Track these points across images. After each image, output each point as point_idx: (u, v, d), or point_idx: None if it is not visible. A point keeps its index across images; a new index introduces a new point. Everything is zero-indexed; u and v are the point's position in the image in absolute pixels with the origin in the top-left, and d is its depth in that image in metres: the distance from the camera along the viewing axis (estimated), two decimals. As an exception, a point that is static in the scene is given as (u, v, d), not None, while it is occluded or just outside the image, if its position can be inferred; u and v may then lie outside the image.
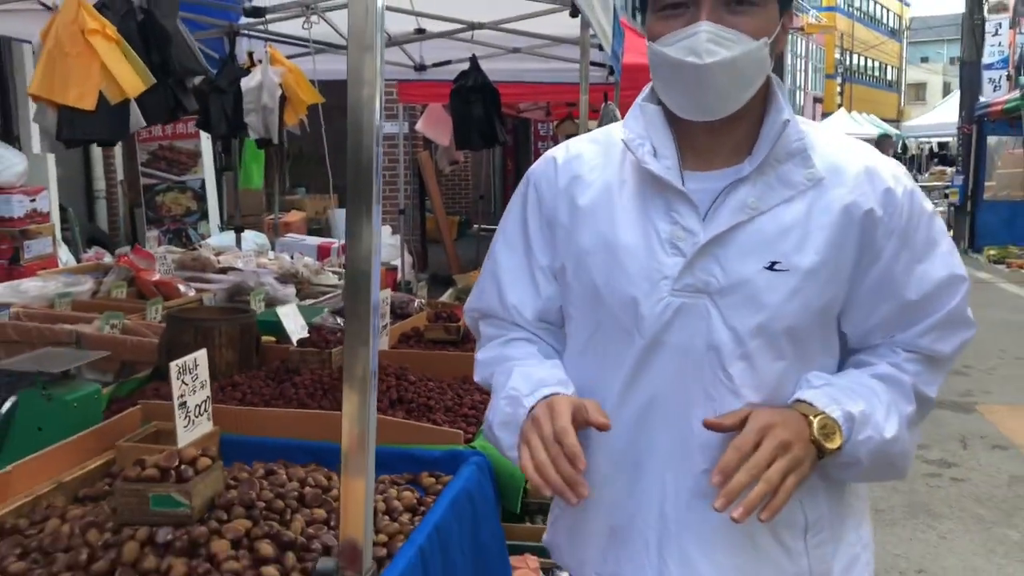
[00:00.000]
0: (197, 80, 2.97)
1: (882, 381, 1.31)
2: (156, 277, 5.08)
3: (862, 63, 50.06)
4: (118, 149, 9.75)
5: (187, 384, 2.15)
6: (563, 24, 4.26)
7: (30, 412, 2.26)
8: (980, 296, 10.81)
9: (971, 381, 6.66)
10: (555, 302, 1.44)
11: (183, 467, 1.75)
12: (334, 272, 5.88)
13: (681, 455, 1.31)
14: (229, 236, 7.83)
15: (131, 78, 2.55)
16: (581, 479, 1.18)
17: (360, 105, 1.19)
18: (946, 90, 50.66)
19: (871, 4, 51.68)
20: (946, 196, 15.59)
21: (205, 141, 8.96)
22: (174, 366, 2.10)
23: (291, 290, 5.11)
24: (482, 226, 11.17)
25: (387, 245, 9.34)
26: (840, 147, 1.33)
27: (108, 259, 6.33)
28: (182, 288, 5.02)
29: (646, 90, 1.39)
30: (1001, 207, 13.86)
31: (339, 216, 10.84)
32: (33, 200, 6.37)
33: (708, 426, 1.25)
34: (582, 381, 1.38)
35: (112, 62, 2.48)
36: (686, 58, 1.23)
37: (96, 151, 9.42)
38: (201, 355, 2.20)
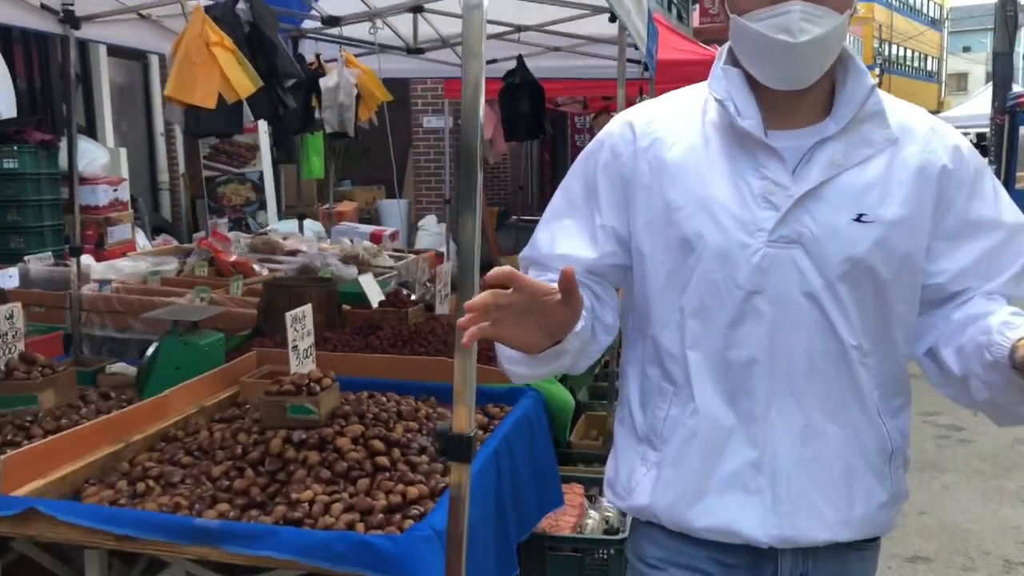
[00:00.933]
0: (291, 82, 3.48)
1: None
2: (233, 258, 5.65)
3: (901, 54, 49.70)
4: (179, 145, 10.38)
5: (297, 331, 2.66)
6: (601, 25, 4.72)
7: (170, 354, 2.78)
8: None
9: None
10: (610, 260, 1.48)
11: (312, 384, 2.27)
12: (390, 255, 6.40)
13: (788, 397, 1.37)
14: (287, 224, 8.40)
15: (243, 81, 3.07)
16: (568, 271, 1.23)
17: (471, 107, 1.63)
18: (988, 80, 50.14)
19: (910, -6, 51.29)
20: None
21: (263, 135, 9.54)
22: (289, 316, 2.60)
23: (353, 270, 5.61)
24: (520, 217, 11.63)
25: (434, 233, 9.86)
26: (906, 110, 1.44)
27: (174, 244, 6.95)
28: (256, 267, 5.57)
29: (723, 53, 1.44)
30: (1033, 197, 14.06)
31: (385, 207, 11.41)
32: (115, 190, 6.98)
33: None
34: (678, 338, 1.42)
35: (228, 68, 3.00)
36: (779, 36, 1.29)
37: (161, 147, 10.04)
38: (308, 308, 2.71)
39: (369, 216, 10.89)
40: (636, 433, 1.49)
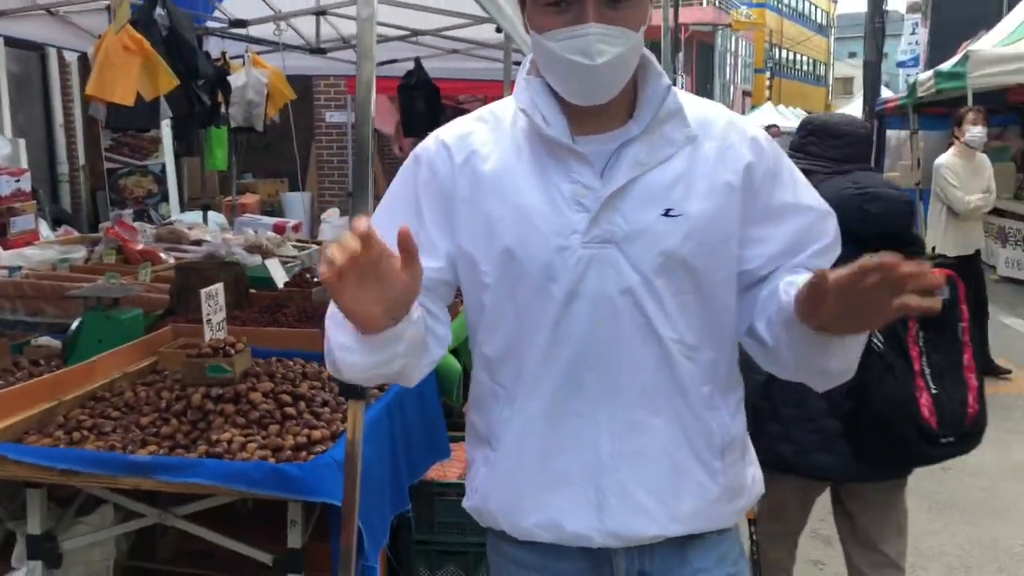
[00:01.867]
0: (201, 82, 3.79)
1: None
2: (140, 247, 5.85)
3: (791, 58, 51.81)
4: (79, 136, 10.37)
5: (211, 307, 2.99)
6: (490, 32, 5.16)
7: (93, 328, 3.07)
8: (873, 273, 11.97)
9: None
10: (436, 275, 1.47)
11: (227, 348, 2.61)
12: (294, 245, 6.69)
13: (612, 394, 1.41)
14: (190, 216, 8.56)
15: (160, 80, 3.38)
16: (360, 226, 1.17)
17: (364, 104, 2.02)
18: (872, 85, 52.71)
19: (799, 1, 53.51)
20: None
21: (165, 128, 9.63)
22: (203, 292, 2.93)
23: (257, 259, 5.88)
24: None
25: (336, 225, 10.13)
26: (704, 107, 1.50)
27: (76, 235, 7.08)
28: (163, 256, 5.80)
29: (527, 64, 1.49)
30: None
31: (289, 199, 11.61)
32: (17, 181, 7.04)
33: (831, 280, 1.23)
34: (505, 343, 1.46)
35: (146, 68, 3.31)
36: (576, 57, 1.32)
37: (60, 139, 10.03)
38: (220, 286, 3.05)
39: (272, 208, 11.07)
40: (478, 434, 1.54)
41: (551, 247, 1.38)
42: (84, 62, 7.57)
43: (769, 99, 39.43)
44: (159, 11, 3.58)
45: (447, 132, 1.51)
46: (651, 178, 1.40)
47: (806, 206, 1.49)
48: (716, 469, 1.45)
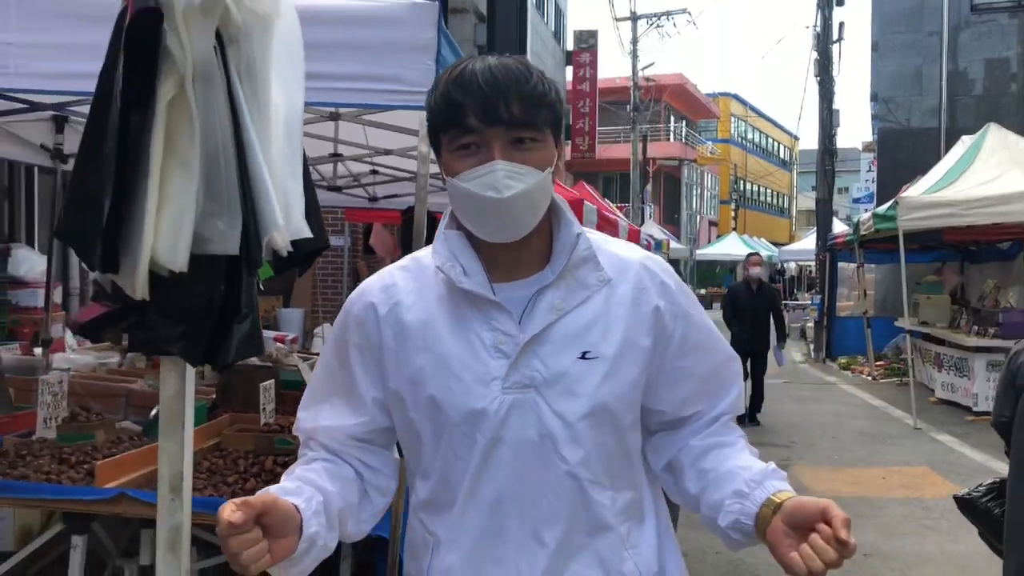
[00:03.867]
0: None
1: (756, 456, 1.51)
2: (167, 354, 6.63)
3: (755, 190, 54.18)
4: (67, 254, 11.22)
5: (266, 397, 3.79)
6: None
7: (170, 413, 3.83)
8: (822, 393, 12.95)
9: (792, 452, 8.56)
10: (372, 425, 1.52)
11: (287, 427, 3.40)
12: (298, 355, 7.48)
13: (532, 539, 1.42)
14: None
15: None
16: (224, 516, 1.27)
17: (418, 235, 2.91)
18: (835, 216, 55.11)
19: (763, 138, 56.37)
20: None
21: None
22: (262, 386, 3.74)
23: (269, 366, 6.66)
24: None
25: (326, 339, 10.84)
26: (617, 249, 1.54)
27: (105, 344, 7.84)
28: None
29: (445, 217, 1.52)
30: (850, 322, 16.27)
31: (284, 314, 12.42)
32: (53, 291, 7.82)
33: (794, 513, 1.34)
34: (434, 488, 1.47)
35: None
36: (486, 193, 1.37)
37: (73, 256, 10.86)
38: (272, 381, 3.86)
39: (267, 324, 11.85)
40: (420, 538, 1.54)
41: (472, 394, 1.41)
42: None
43: (735, 229, 41.06)
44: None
45: (372, 286, 1.54)
46: (568, 322, 1.44)
47: (718, 348, 1.58)
48: None
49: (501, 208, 1.38)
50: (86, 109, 5.20)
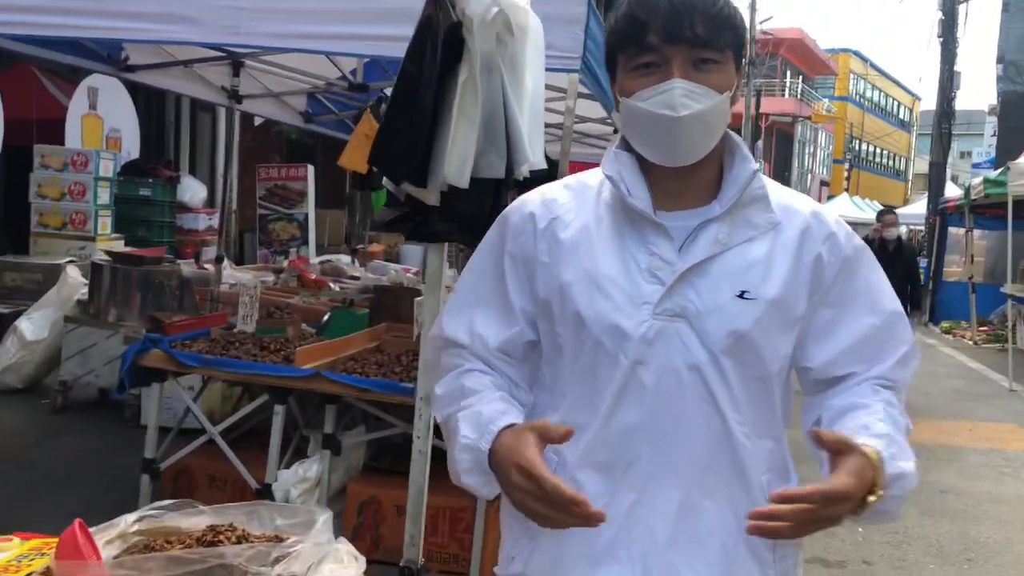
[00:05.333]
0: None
1: (896, 425, 1.37)
2: (314, 276, 7.47)
3: (871, 151, 52.66)
4: (235, 185, 12.23)
5: (418, 310, 4.50)
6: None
7: (339, 319, 4.60)
8: (922, 355, 13.06)
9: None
10: (520, 337, 1.50)
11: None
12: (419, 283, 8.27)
13: (669, 472, 1.38)
14: (324, 258, 10.25)
15: (387, 157, 4.99)
16: (592, 510, 1.20)
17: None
18: (954, 182, 53.14)
19: (882, 96, 54.55)
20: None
21: (310, 183, 11.41)
22: (416, 301, 4.44)
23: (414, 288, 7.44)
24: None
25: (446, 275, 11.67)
26: (790, 196, 1.49)
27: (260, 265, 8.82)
28: (331, 284, 7.40)
29: (616, 140, 1.50)
30: (956, 287, 16.20)
31: (406, 249, 13.31)
32: (209, 218, 8.80)
33: (817, 435, 1.28)
34: (569, 410, 1.44)
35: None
36: (662, 111, 1.35)
37: (219, 186, 11.88)
38: (423, 297, 4.56)
39: (389, 257, 12.74)
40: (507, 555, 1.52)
41: (620, 313, 1.39)
42: (245, 121, 9.44)
43: (846, 190, 40.18)
44: (383, 106, 5.20)
45: (532, 199, 1.54)
46: (729, 258, 1.40)
47: (883, 309, 1.47)
48: (767, 562, 1.42)
49: (676, 128, 1.36)
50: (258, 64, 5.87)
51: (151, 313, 5.17)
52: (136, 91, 8.48)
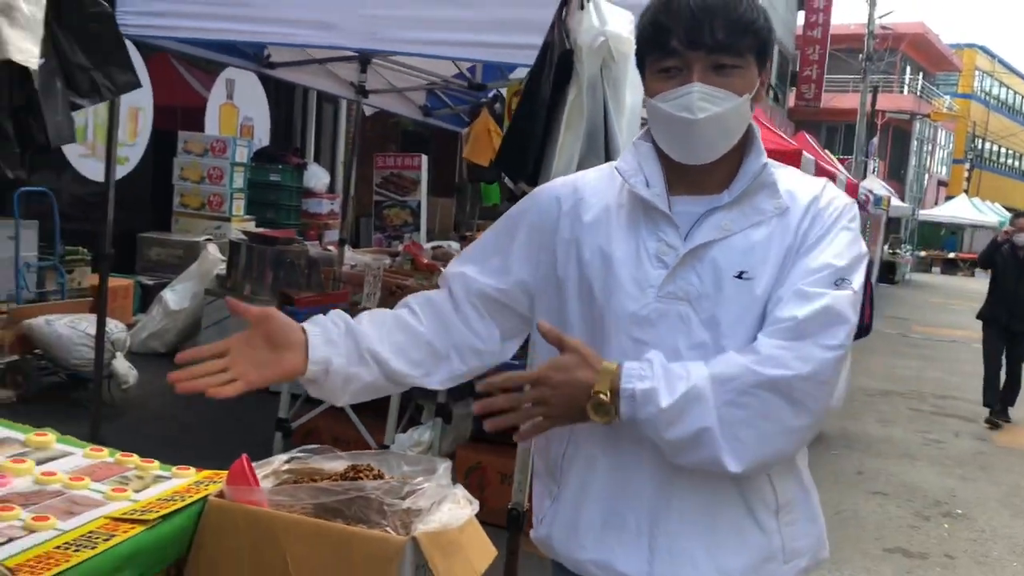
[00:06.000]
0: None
1: (711, 365, 1.37)
2: (426, 260, 7.92)
3: (995, 151, 50.46)
4: (353, 172, 12.86)
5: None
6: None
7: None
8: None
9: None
10: (506, 296, 1.58)
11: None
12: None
13: None
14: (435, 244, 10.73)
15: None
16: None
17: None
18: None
19: (1010, 95, 52.12)
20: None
21: (423, 172, 11.91)
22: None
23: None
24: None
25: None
26: (799, 181, 1.52)
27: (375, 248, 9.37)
28: (442, 268, 7.84)
29: (642, 131, 1.58)
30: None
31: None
32: (332, 203, 9.37)
33: (540, 326, 1.43)
34: None
35: (495, 142, 5.29)
36: (681, 113, 1.41)
37: (339, 173, 12.53)
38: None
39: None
40: (546, 466, 1.60)
41: (627, 295, 1.45)
42: (360, 111, 9.95)
43: (965, 191, 38.60)
44: (497, 104, 5.56)
45: (564, 181, 1.64)
46: (733, 242, 1.45)
47: (815, 263, 1.42)
48: (771, 528, 1.46)
49: (693, 129, 1.42)
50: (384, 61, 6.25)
51: (282, 289, 5.68)
52: (268, 83, 9.08)
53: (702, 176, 1.50)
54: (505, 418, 1.39)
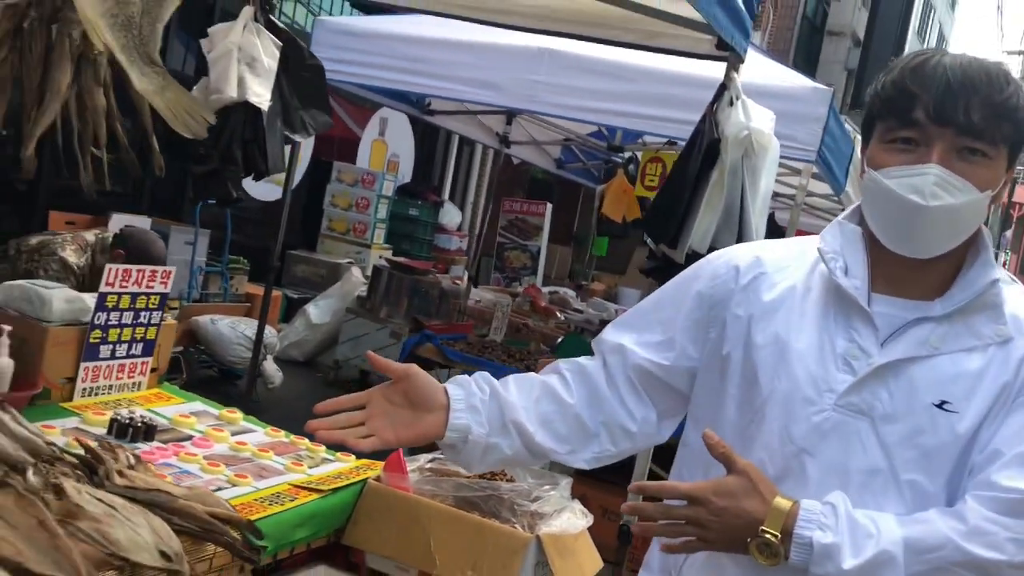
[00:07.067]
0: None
1: (906, 524, 1.20)
2: (544, 304, 8.34)
3: None
4: (479, 217, 13.49)
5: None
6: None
7: (571, 343, 5.35)
8: None
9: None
10: (666, 373, 1.44)
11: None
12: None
13: None
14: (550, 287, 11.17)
15: (629, 210, 5.74)
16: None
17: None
18: None
19: None
20: None
21: (547, 219, 12.41)
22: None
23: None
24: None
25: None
26: None
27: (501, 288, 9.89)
28: (558, 313, 8.25)
29: (848, 210, 1.40)
30: None
31: (624, 292, 14.03)
32: (461, 240, 9.95)
33: (707, 437, 1.26)
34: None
35: (627, 202, 5.68)
36: (910, 195, 1.22)
37: (468, 214, 13.16)
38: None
39: (608, 296, 13.51)
40: (661, 564, 1.46)
41: (799, 395, 1.28)
42: (495, 157, 10.52)
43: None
44: (631, 166, 5.97)
45: (743, 250, 1.47)
46: (938, 363, 1.26)
47: None
48: None
49: (920, 217, 1.23)
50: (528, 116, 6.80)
51: (414, 315, 6.18)
52: (416, 124, 9.75)
53: (914, 276, 1.31)
54: (655, 527, 1.27)
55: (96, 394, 2.58)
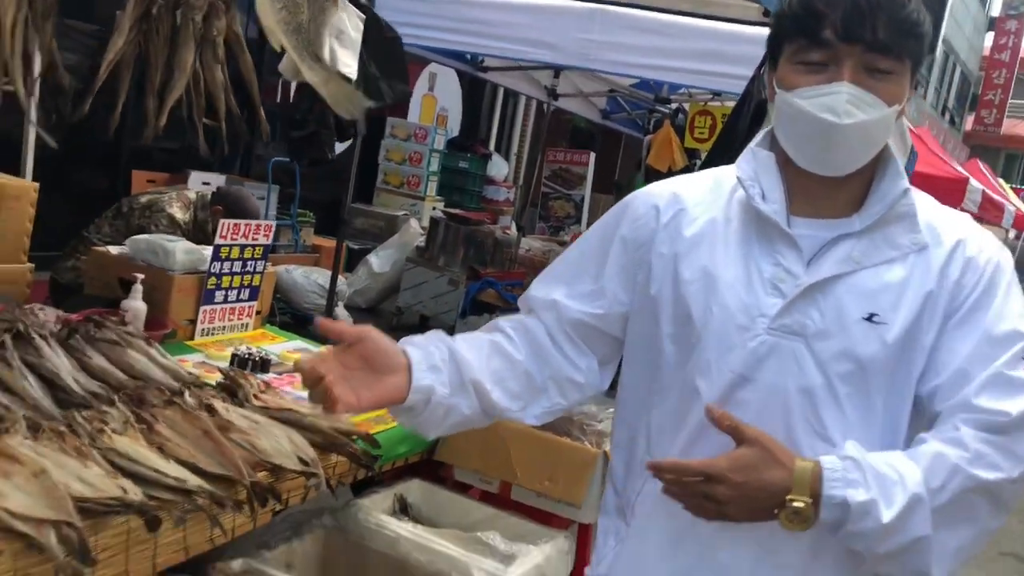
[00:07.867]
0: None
1: (918, 461, 1.20)
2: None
3: None
4: (524, 163, 13.72)
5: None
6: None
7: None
8: None
9: None
10: (603, 321, 1.43)
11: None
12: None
13: None
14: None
15: (676, 158, 5.99)
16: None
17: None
18: None
19: None
20: None
21: (590, 168, 12.63)
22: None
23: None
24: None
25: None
26: (942, 216, 1.34)
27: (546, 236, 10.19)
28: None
29: (759, 136, 1.41)
30: None
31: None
32: (508, 191, 10.24)
33: (710, 411, 1.24)
34: (670, 412, 1.36)
35: (676, 152, 5.93)
36: (823, 115, 1.24)
37: (512, 163, 13.41)
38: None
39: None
40: (615, 504, 1.47)
41: (732, 324, 1.29)
42: (539, 107, 10.73)
43: None
44: (680, 116, 6.20)
45: (661, 188, 1.45)
46: (862, 277, 1.28)
47: (994, 331, 1.25)
48: None
49: (835, 135, 1.24)
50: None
51: (471, 264, 6.51)
52: (462, 78, 9.99)
53: (830, 194, 1.33)
54: (677, 497, 1.25)
55: (212, 334, 2.96)
